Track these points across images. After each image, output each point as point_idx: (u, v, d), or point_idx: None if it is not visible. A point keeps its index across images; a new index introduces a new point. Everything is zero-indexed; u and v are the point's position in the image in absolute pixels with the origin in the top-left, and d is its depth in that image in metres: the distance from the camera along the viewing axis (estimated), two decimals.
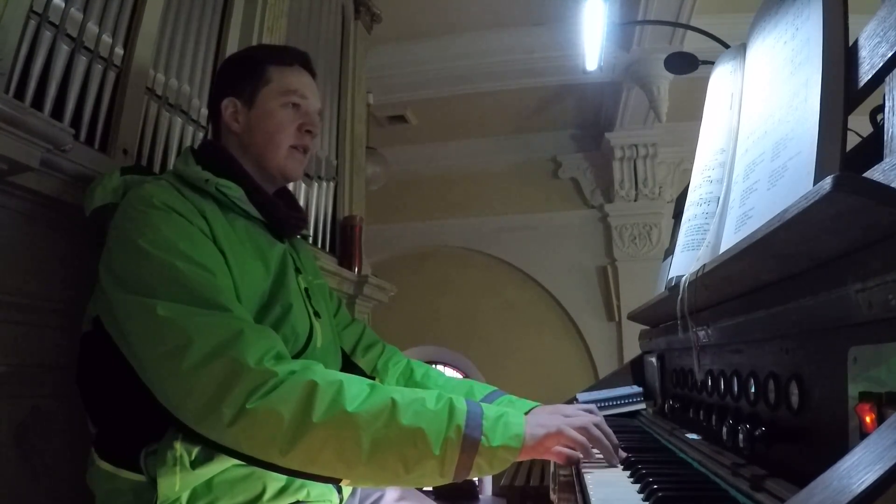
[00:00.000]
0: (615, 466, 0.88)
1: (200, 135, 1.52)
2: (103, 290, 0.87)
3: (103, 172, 1.06)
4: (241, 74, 1.10)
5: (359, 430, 0.77)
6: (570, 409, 0.99)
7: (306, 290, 1.09)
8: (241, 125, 1.08)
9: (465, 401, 0.84)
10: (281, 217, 1.08)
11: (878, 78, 0.61)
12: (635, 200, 4.29)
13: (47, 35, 1.09)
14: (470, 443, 0.79)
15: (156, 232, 0.87)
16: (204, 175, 1.00)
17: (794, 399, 0.63)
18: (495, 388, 1.16)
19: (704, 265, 0.84)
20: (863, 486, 0.32)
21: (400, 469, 0.78)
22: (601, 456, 0.89)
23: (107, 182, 1.00)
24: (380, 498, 1.13)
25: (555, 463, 1.06)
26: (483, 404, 0.86)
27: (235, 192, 1.01)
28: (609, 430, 0.92)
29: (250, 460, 0.80)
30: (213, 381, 0.78)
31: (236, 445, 0.78)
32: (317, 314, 1.08)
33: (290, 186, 1.91)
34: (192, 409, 0.79)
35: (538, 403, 1.05)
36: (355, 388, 0.81)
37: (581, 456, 0.86)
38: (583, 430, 0.87)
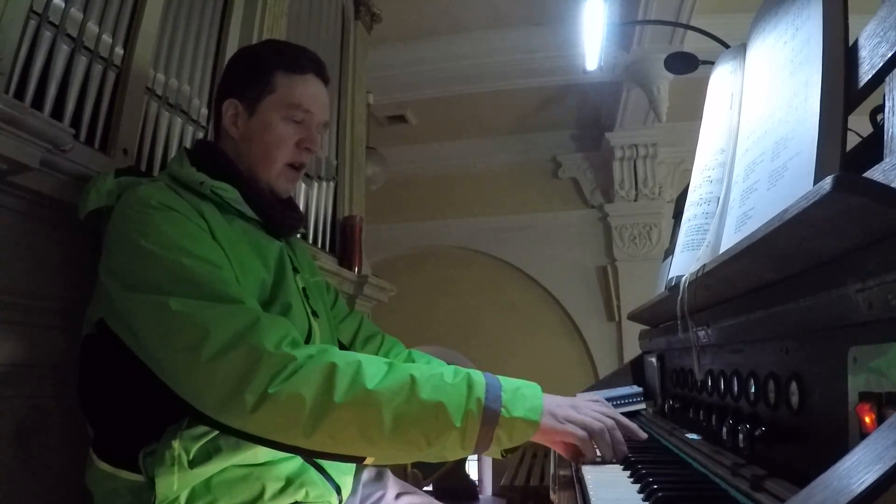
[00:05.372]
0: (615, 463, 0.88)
1: (200, 135, 1.52)
2: (108, 294, 0.87)
3: (101, 173, 1.05)
4: (247, 76, 1.07)
5: (380, 407, 0.78)
6: (581, 403, 0.97)
7: (304, 289, 1.09)
8: (240, 131, 1.06)
9: (483, 374, 0.85)
10: (277, 217, 1.08)
11: (878, 78, 0.61)
12: (635, 200, 4.30)
13: (47, 35, 1.09)
14: (490, 414, 0.80)
15: (157, 232, 0.87)
16: (199, 177, 0.99)
17: (794, 399, 0.63)
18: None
19: (704, 265, 0.84)
20: (863, 486, 0.32)
21: (422, 442, 0.79)
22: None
23: (100, 185, 1.00)
24: (381, 497, 1.13)
25: (555, 463, 1.06)
26: (500, 376, 0.87)
27: (231, 193, 1.01)
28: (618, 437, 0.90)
29: (275, 445, 0.80)
30: (233, 370, 0.78)
31: (260, 431, 0.79)
32: (315, 314, 1.08)
33: None
34: (213, 399, 0.79)
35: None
36: (374, 367, 0.82)
37: (587, 457, 0.86)
38: (602, 431, 0.86)
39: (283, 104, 1.04)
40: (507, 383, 0.85)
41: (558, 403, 0.87)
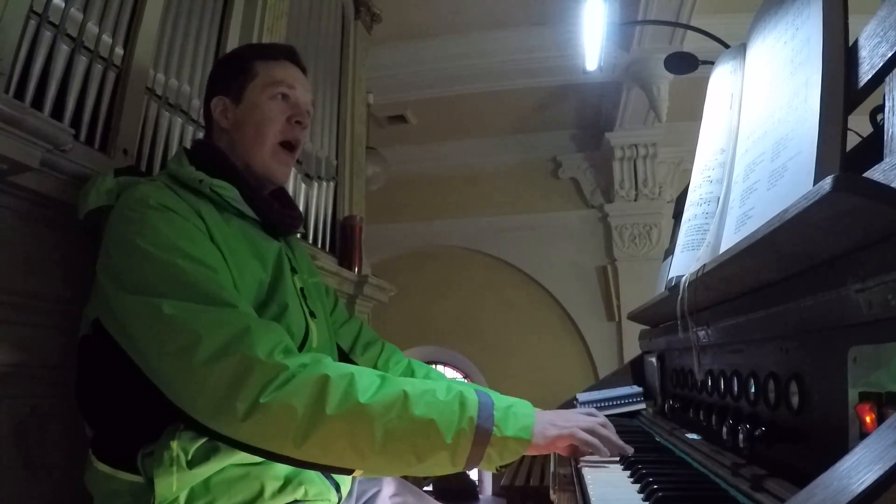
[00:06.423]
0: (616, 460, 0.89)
1: (201, 135, 1.52)
2: (104, 293, 0.87)
3: (101, 172, 1.05)
4: (229, 73, 1.11)
5: (372, 421, 0.78)
6: (571, 413, 0.99)
7: (302, 289, 1.09)
8: (230, 121, 1.08)
9: (476, 391, 0.85)
10: (275, 216, 1.08)
11: (878, 78, 0.61)
12: (635, 200, 4.29)
13: (47, 35, 1.09)
14: (482, 433, 0.80)
15: (155, 232, 0.87)
16: (198, 175, 0.99)
17: (794, 399, 0.63)
18: (496, 392, 1.16)
19: (704, 265, 0.84)
20: (863, 486, 0.32)
21: (412, 459, 0.79)
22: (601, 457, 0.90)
23: (100, 184, 1.00)
24: (376, 494, 1.13)
25: (555, 463, 1.06)
26: (493, 394, 0.87)
27: (229, 191, 1.01)
28: (611, 432, 0.93)
29: (264, 454, 0.80)
30: (225, 377, 0.78)
31: (250, 440, 0.79)
32: (312, 314, 1.08)
33: (290, 187, 1.93)
34: (205, 405, 0.79)
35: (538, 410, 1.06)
36: (366, 380, 0.82)
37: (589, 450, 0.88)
38: (591, 431, 0.89)
39: (266, 84, 1.08)
40: (500, 401, 0.85)
41: (549, 419, 0.88)
